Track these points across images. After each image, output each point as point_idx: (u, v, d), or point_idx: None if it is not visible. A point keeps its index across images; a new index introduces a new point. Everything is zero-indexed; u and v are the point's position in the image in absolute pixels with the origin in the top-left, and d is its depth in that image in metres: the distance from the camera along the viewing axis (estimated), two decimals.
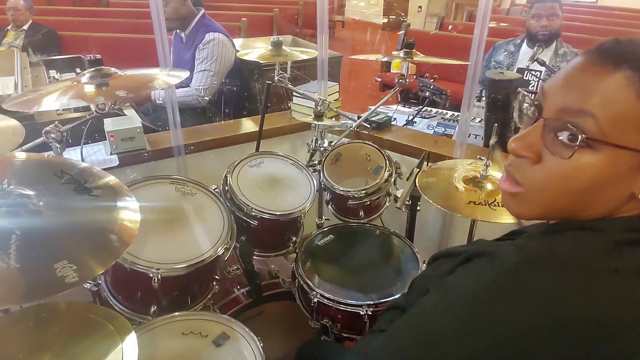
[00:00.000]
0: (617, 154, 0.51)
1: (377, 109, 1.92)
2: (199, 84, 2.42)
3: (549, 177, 0.55)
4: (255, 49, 1.70)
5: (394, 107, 2.54)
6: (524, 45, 2.71)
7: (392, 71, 4.51)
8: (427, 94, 2.60)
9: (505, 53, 2.79)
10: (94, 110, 1.12)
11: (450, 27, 5.01)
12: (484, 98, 2.07)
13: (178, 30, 2.52)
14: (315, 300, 1.24)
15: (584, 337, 0.48)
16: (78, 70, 2.62)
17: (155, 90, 2.41)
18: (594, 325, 0.48)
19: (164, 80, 1.17)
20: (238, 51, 2.14)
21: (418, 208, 1.48)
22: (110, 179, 0.92)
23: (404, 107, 2.80)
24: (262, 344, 1.02)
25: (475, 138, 2.08)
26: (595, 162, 0.52)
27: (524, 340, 0.49)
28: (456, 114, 2.45)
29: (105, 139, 1.62)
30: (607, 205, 0.55)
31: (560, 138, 0.53)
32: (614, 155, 0.51)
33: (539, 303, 0.50)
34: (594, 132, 0.51)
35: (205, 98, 2.44)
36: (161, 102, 2.42)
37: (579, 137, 0.51)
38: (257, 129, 1.77)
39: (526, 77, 2.60)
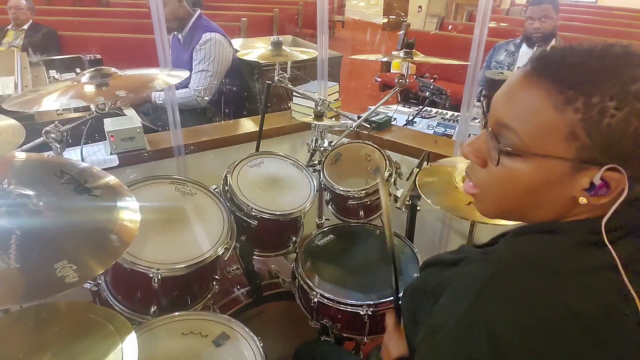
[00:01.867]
0: (544, 161, 0.54)
1: (377, 109, 1.92)
2: (198, 84, 2.42)
3: (492, 180, 0.61)
4: (255, 49, 1.70)
5: (394, 107, 2.54)
6: (524, 45, 2.73)
7: (392, 71, 4.51)
8: (427, 94, 2.60)
9: (505, 53, 2.80)
10: (94, 110, 1.12)
11: (450, 27, 5.01)
12: (483, 98, 2.07)
13: (175, 32, 2.52)
14: (315, 300, 1.24)
15: (563, 336, 0.50)
16: (78, 70, 2.62)
17: (155, 92, 2.41)
18: (571, 323, 0.50)
19: (163, 80, 1.17)
20: (237, 51, 2.13)
21: (418, 208, 1.48)
22: (110, 179, 0.93)
23: (404, 107, 2.80)
24: (262, 344, 1.02)
25: None
26: (525, 169, 0.56)
27: (513, 347, 0.51)
28: (456, 114, 2.45)
29: (105, 139, 1.62)
30: (553, 208, 0.58)
31: (493, 146, 0.58)
32: (541, 163, 0.54)
33: (516, 309, 0.53)
34: (515, 144, 0.55)
35: (205, 98, 2.44)
36: (161, 102, 2.42)
37: (501, 148, 0.57)
38: (257, 129, 1.77)
39: None
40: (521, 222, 0.65)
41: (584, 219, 0.57)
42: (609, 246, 0.52)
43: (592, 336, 0.50)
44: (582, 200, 0.54)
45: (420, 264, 1.34)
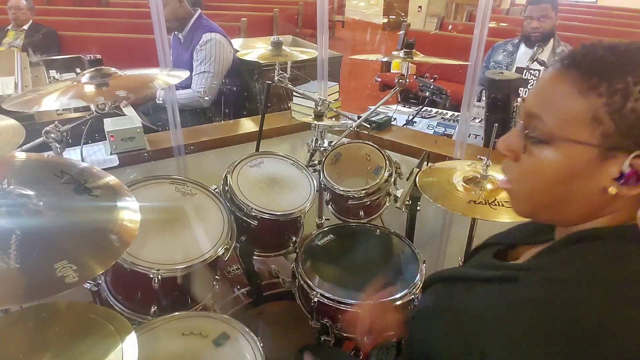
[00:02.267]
0: (570, 148, 0.54)
1: (377, 109, 1.92)
2: (200, 85, 2.42)
3: (523, 172, 0.61)
4: (255, 49, 1.70)
5: (394, 107, 2.54)
6: (522, 45, 2.73)
7: (392, 71, 4.52)
8: (427, 94, 2.60)
9: (504, 53, 2.80)
10: (94, 110, 1.12)
11: (450, 27, 5.01)
12: (484, 98, 2.07)
13: (176, 32, 2.52)
14: (316, 300, 1.24)
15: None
16: (78, 70, 2.62)
17: (160, 91, 2.42)
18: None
19: (164, 80, 1.17)
20: (238, 51, 2.13)
21: (418, 208, 1.48)
22: (110, 179, 0.92)
23: (404, 107, 2.80)
24: (262, 344, 1.02)
25: (475, 138, 2.09)
26: (552, 157, 0.56)
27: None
28: (456, 114, 2.45)
29: (105, 139, 1.62)
30: (585, 202, 0.57)
31: (523, 137, 0.59)
32: (568, 150, 0.55)
33: (578, 333, 0.49)
34: (542, 131, 0.56)
35: (206, 98, 2.44)
36: (161, 102, 2.42)
37: (528, 135, 0.58)
38: (257, 129, 1.77)
39: (525, 76, 2.61)
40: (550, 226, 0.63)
41: (627, 223, 0.55)
42: None
43: None
44: (612, 190, 0.53)
45: (422, 264, 1.33)
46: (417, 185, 1.31)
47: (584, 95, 0.53)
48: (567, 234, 0.61)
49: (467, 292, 0.66)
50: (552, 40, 2.62)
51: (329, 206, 1.59)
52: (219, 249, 1.14)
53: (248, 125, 2.02)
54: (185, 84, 2.45)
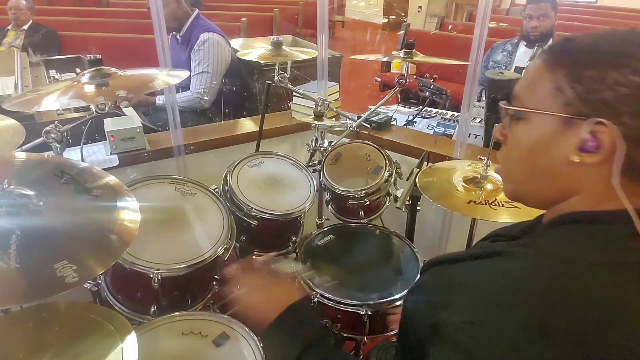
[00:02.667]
0: (538, 119, 0.59)
1: (377, 109, 1.92)
2: (199, 87, 2.42)
3: (507, 150, 0.66)
4: (255, 49, 1.70)
5: (394, 107, 2.54)
6: (521, 44, 2.73)
7: (392, 71, 4.51)
8: (427, 94, 2.60)
9: (503, 53, 2.80)
10: (94, 110, 1.12)
11: (450, 27, 5.01)
12: (484, 98, 2.07)
13: (174, 32, 2.52)
14: (315, 300, 1.24)
15: (620, 328, 0.48)
16: (78, 70, 2.62)
17: (158, 95, 2.42)
18: (617, 318, 0.49)
19: (163, 80, 1.17)
20: (238, 51, 2.13)
21: (418, 208, 1.48)
22: (110, 179, 0.92)
23: (404, 107, 2.80)
24: (262, 344, 1.02)
25: (475, 138, 2.09)
26: (525, 130, 0.61)
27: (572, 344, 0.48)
28: (456, 114, 2.45)
29: (105, 139, 1.62)
30: (556, 176, 0.60)
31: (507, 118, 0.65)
32: (536, 121, 0.59)
33: (576, 302, 0.50)
34: (517, 107, 0.62)
35: (206, 98, 2.44)
36: (161, 103, 2.42)
37: (509, 113, 0.63)
38: (257, 129, 1.77)
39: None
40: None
41: (619, 209, 0.55)
42: None
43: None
44: (574, 157, 0.55)
45: (422, 264, 1.33)
46: (417, 185, 1.31)
47: (551, 71, 0.57)
48: (551, 217, 0.64)
49: (456, 268, 0.68)
50: (551, 39, 2.62)
51: (329, 206, 1.59)
52: (219, 249, 1.14)
53: (248, 125, 2.02)
54: (185, 85, 2.45)
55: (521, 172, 0.64)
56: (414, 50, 1.60)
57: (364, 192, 1.45)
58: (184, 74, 1.22)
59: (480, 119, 2.16)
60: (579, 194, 0.59)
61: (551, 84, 0.57)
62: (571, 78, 0.55)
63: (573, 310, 0.50)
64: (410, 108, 2.75)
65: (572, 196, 0.60)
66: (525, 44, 2.70)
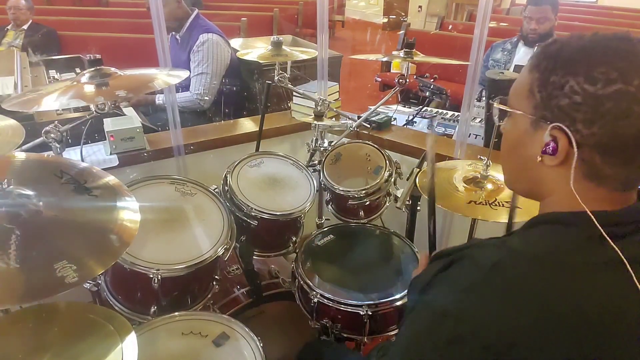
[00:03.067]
0: (515, 118, 0.63)
1: (377, 109, 1.92)
2: (198, 88, 2.42)
3: (501, 146, 0.70)
4: (255, 49, 1.70)
5: (394, 107, 2.54)
6: (521, 44, 2.73)
7: (392, 71, 4.51)
8: (427, 94, 2.60)
9: (502, 52, 2.80)
10: (93, 110, 1.12)
11: (450, 27, 5.01)
12: (484, 98, 2.07)
13: (173, 32, 2.52)
14: (315, 300, 1.24)
15: (568, 332, 0.51)
16: (78, 70, 2.62)
17: (158, 94, 2.42)
18: (577, 319, 0.51)
19: (163, 80, 1.17)
20: (237, 51, 2.13)
21: (418, 208, 1.48)
22: (110, 179, 0.92)
23: (404, 107, 2.80)
24: (262, 344, 1.02)
25: (475, 138, 2.09)
26: (509, 126, 0.66)
27: (511, 341, 0.52)
28: (456, 114, 2.45)
29: (105, 139, 1.62)
30: (529, 173, 0.63)
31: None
32: (514, 119, 0.64)
33: (520, 300, 0.53)
34: (504, 104, 0.66)
35: (205, 98, 2.44)
36: (161, 102, 2.42)
37: (500, 110, 0.67)
38: (257, 129, 1.77)
39: None
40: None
41: (600, 211, 0.56)
42: (611, 242, 0.53)
43: (596, 334, 0.50)
44: (538, 158, 0.59)
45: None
46: (417, 185, 1.31)
47: (530, 71, 0.60)
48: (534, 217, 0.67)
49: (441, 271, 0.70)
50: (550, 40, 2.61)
51: (329, 206, 1.59)
52: (219, 249, 1.14)
53: (248, 125, 2.01)
54: (184, 85, 2.45)
55: (508, 166, 0.70)
56: (414, 50, 1.60)
57: (364, 192, 1.45)
58: (183, 74, 1.22)
59: (480, 119, 2.16)
60: (553, 195, 0.62)
61: (527, 85, 0.60)
62: (540, 82, 0.58)
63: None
64: (410, 108, 2.75)
65: (548, 195, 0.63)
66: (524, 43, 2.70)
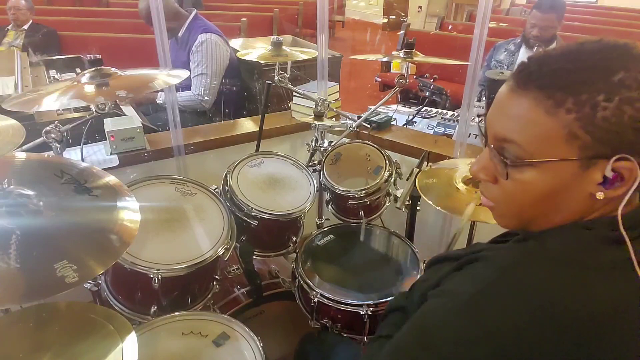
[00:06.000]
0: (552, 166, 0.55)
1: (377, 109, 1.92)
2: (199, 89, 2.43)
3: (506, 194, 0.62)
4: (255, 49, 1.70)
5: (394, 107, 2.54)
6: (523, 45, 2.73)
7: (392, 71, 4.51)
8: (427, 94, 2.60)
9: (506, 52, 2.80)
10: (94, 110, 1.12)
11: (450, 27, 5.01)
12: (484, 98, 2.07)
13: (173, 36, 2.52)
14: (315, 300, 1.24)
15: (580, 334, 0.50)
16: (78, 70, 2.62)
17: (160, 93, 2.42)
18: (589, 322, 0.51)
19: (163, 80, 1.17)
20: (238, 51, 2.13)
21: (418, 208, 1.48)
22: (110, 179, 0.92)
23: (404, 107, 2.80)
24: (262, 344, 1.02)
25: (475, 138, 2.08)
26: (536, 177, 0.57)
27: (524, 341, 0.51)
28: (456, 114, 2.45)
29: (105, 139, 1.62)
30: (574, 208, 0.58)
31: (498, 162, 0.60)
32: (550, 168, 0.56)
33: (535, 300, 0.52)
34: (519, 155, 0.57)
35: (206, 99, 2.45)
36: (161, 102, 2.42)
37: (507, 162, 0.58)
38: (257, 129, 1.77)
39: None
40: None
41: (607, 215, 0.57)
42: (628, 241, 0.53)
43: (600, 338, 0.51)
44: (600, 195, 0.55)
45: (422, 264, 1.33)
46: (417, 187, 1.31)
47: (552, 113, 0.53)
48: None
49: (446, 266, 0.69)
50: (554, 43, 2.60)
51: (329, 206, 1.59)
52: (219, 249, 1.14)
53: (248, 125, 2.02)
54: (185, 85, 2.46)
55: (529, 212, 0.62)
56: (414, 50, 1.60)
57: (364, 192, 1.45)
58: (184, 74, 1.22)
59: (480, 119, 2.16)
60: (563, 217, 0.59)
61: (561, 130, 0.53)
62: (583, 122, 0.52)
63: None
64: (410, 108, 2.75)
65: (555, 220, 0.60)
66: (525, 45, 2.70)
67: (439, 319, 0.59)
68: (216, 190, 1.31)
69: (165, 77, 1.19)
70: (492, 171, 0.62)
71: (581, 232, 0.57)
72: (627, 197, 0.54)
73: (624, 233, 0.53)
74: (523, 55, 2.71)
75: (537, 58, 0.57)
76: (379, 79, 4.51)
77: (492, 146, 0.60)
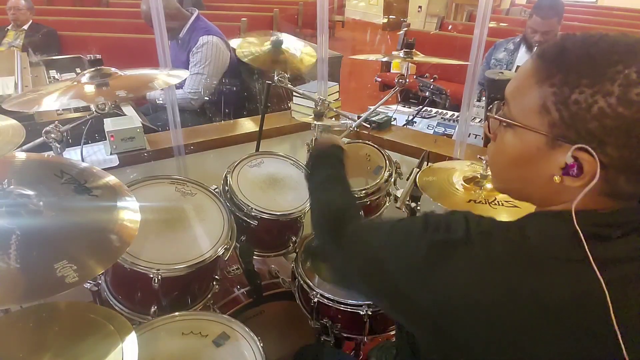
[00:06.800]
0: (524, 133, 0.58)
1: (377, 109, 1.92)
2: (191, 87, 2.42)
3: (494, 151, 0.66)
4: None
5: (394, 107, 2.54)
6: (523, 46, 2.72)
7: (392, 71, 4.51)
8: (427, 94, 2.60)
9: (505, 52, 2.80)
10: (94, 110, 1.12)
11: (450, 27, 5.01)
12: (484, 98, 2.07)
13: (174, 38, 2.52)
14: (315, 300, 1.24)
15: (528, 320, 0.52)
16: (78, 70, 2.61)
17: (151, 92, 2.41)
18: (537, 309, 0.52)
19: (163, 80, 1.17)
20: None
21: (418, 208, 1.48)
22: (110, 179, 0.93)
23: (404, 107, 2.80)
24: (262, 344, 1.02)
25: (475, 138, 2.09)
26: (511, 140, 0.60)
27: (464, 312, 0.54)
28: (456, 114, 2.45)
29: (105, 139, 1.62)
30: (538, 187, 0.60)
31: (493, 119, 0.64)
32: (522, 135, 0.58)
33: (493, 277, 0.54)
34: (506, 114, 0.60)
35: (196, 98, 2.44)
36: (161, 102, 2.42)
37: (497, 119, 0.62)
38: (257, 129, 1.77)
39: None
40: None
41: (590, 209, 0.56)
42: (583, 241, 0.52)
43: (553, 325, 0.51)
44: (557, 179, 0.56)
45: None
46: (417, 184, 1.31)
47: (540, 84, 0.55)
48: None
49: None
50: None
51: None
52: (219, 249, 1.14)
53: (248, 125, 2.02)
54: (180, 84, 2.45)
55: (506, 176, 0.66)
56: (414, 50, 1.60)
57: (364, 192, 1.45)
58: (183, 74, 1.22)
59: (480, 119, 2.16)
60: (551, 199, 0.60)
61: (538, 100, 0.55)
62: (558, 98, 0.53)
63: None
64: (410, 108, 2.75)
65: (555, 205, 0.60)
66: (525, 47, 2.69)
67: (411, 233, 0.63)
68: (216, 190, 1.31)
69: (165, 77, 1.19)
70: (495, 129, 0.66)
71: (555, 223, 0.57)
72: (583, 192, 0.53)
73: (577, 228, 0.53)
74: (522, 54, 2.71)
75: (562, 37, 0.57)
76: (379, 79, 4.51)
77: (501, 104, 0.63)
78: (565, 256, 0.54)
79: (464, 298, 0.54)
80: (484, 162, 1.28)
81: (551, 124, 0.54)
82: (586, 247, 0.52)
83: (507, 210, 1.14)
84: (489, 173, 1.27)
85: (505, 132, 0.61)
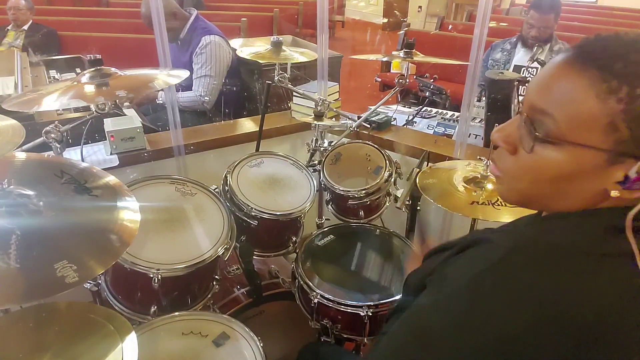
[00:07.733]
0: (578, 151, 0.52)
1: (377, 109, 1.92)
2: (202, 90, 2.43)
3: (520, 167, 0.59)
4: (255, 48, 1.70)
5: (394, 107, 2.54)
6: (520, 44, 2.73)
7: (392, 71, 4.51)
8: (427, 94, 2.60)
9: (502, 52, 2.81)
10: (94, 110, 1.12)
11: (450, 27, 5.01)
12: (484, 98, 2.07)
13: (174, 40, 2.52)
14: (316, 300, 1.24)
15: (581, 334, 0.49)
16: (78, 70, 2.61)
17: (161, 92, 2.42)
18: (590, 324, 0.49)
19: (163, 80, 1.17)
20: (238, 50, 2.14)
21: (418, 208, 1.48)
22: (110, 179, 0.92)
23: (404, 107, 2.80)
24: (262, 344, 1.02)
25: (475, 138, 2.09)
26: (557, 157, 0.54)
27: (521, 336, 0.50)
28: (456, 114, 2.45)
29: (105, 139, 1.62)
30: (581, 199, 0.56)
31: (526, 133, 0.57)
32: (575, 153, 0.53)
33: (534, 297, 0.51)
34: (552, 131, 0.53)
35: (207, 99, 2.45)
36: (161, 102, 2.42)
37: (537, 135, 0.55)
38: (257, 129, 1.77)
39: (523, 74, 2.60)
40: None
41: (613, 206, 0.55)
42: (629, 235, 0.51)
43: (593, 336, 0.50)
44: (615, 193, 0.53)
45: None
46: (418, 185, 1.31)
47: (602, 99, 0.50)
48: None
49: (443, 255, 0.68)
50: (552, 41, 2.62)
51: (329, 206, 1.59)
52: (219, 249, 1.14)
53: (248, 125, 2.01)
54: (186, 85, 2.46)
55: (536, 192, 0.59)
56: (414, 50, 1.60)
57: (364, 192, 1.45)
58: (184, 74, 1.22)
59: (480, 119, 2.16)
60: (573, 204, 0.58)
61: (604, 118, 0.50)
62: (629, 116, 0.49)
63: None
64: (410, 108, 2.75)
65: (563, 207, 0.58)
66: (522, 44, 2.70)
67: (434, 306, 0.58)
68: (216, 190, 1.31)
69: (165, 77, 1.19)
70: (515, 141, 0.59)
71: (586, 220, 0.55)
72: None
73: (628, 227, 0.51)
74: (520, 54, 2.72)
75: (606, 38, 0.53)
76: (379, 79, 4.51)
77: (525, 115, 0.57)
78: (596, 250, 0.53)
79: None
80: (484, 162, 1.28)
81: (618, 141, 0.50)
82: (632, 240, 0.51)
83: (509, 211, 1.14)
84: (490, 174, 1.27)
85: (545, 148, 0.55)
